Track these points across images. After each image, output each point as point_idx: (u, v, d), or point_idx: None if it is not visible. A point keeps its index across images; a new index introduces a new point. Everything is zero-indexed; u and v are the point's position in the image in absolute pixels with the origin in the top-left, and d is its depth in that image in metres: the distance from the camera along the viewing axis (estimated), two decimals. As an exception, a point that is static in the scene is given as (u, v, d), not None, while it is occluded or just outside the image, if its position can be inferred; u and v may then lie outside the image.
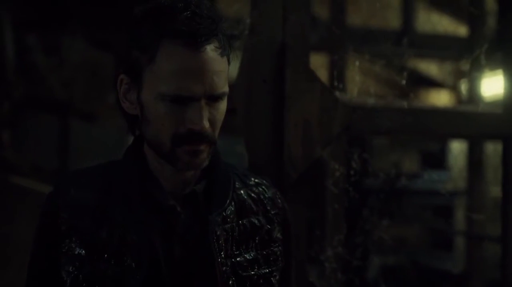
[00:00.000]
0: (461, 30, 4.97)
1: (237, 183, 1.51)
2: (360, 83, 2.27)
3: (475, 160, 3.98)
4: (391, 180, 2.76)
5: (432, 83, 6.78)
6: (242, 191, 1.51)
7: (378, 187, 2.74)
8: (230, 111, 1.47)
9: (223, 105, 1.39)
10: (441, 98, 6.89)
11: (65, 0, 5.46)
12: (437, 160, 5.97)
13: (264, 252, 1.49)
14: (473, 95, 4.10)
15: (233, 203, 1.47)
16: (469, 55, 3.02)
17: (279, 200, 1.57)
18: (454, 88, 6.17)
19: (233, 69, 1.66)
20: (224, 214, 1.44)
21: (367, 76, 2.32)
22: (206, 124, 1.34)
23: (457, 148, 5.31)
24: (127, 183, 1.43)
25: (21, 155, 5.37)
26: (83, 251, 1.39)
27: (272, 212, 1.53)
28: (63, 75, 5.82)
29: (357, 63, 2.32)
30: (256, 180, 1.56)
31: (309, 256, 2.07)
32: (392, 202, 2.57)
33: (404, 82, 2.36)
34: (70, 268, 1.39)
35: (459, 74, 5.74)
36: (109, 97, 5.49)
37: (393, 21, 5.38)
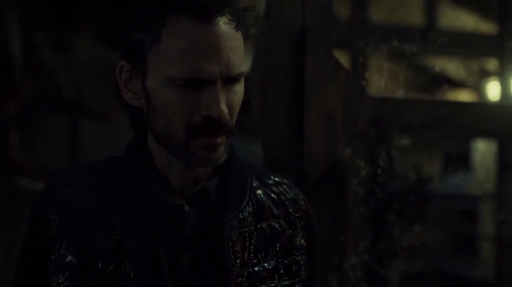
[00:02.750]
0: (487, 27, 4.87)
1: (254, 181, 1.38)
2: (380, 82, 2.15)
3: (505, 160, 3.81)
4: (413, 183, 2.62)
5: (453, 83, 6.69)
6: (260, 191, 1.39)
7: (399, 189, 2.60)
8: (243, 104, 1.35)
9: (240, 88, 1.26)
10: (462, 98, 6.80)
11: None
12: (461, 161, 5.85)
13: (286, 261, 1.35)
14: (503, 95, 3.96)
15: (250, 204, 1.35)
16: (498, 53, 2.90)
17: (302, 202, 1.43)
18: (477, 88, 6.08)
19: (246, 58, 1.51)
20: (241, 217, 1.32)
21: (388, 76, 2.19)
22: (225, 109, 1.21)
23: (483, 148, 5.19)
24: (127, 180, 1.29)
25: (30, 157, 5.34)
26: (75, 259, 1.26)
27: (294, 215, 1.40)
28: (73, 74, 5.81)
29: (378, 61, 2.21)
30: (276, 179, 1.43)
31: (331, 264, 1.95)
32: (413, 206, 2.42)
33: (426, 81, 2.23)
34: (60, 278, 1.26)
35: (483, 74, 5.67)
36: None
37: (416, 18, 5.29)
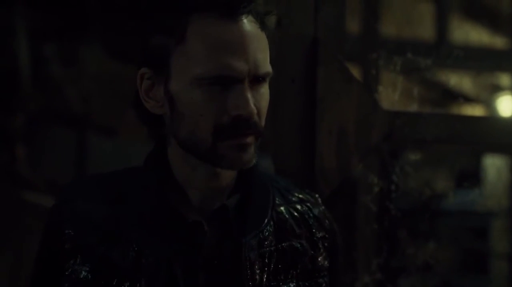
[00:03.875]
0: (499, 42, 4.84)
1: (277, 198, 1.33)
2: (392, 96, 2.10)
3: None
4: (427, 199, 2.58)
5: (464, 98, 6.67)
6: (282, 208, 1.33)
7: (410, 206, 2.54)
8: None
9: (266, 90, 1.23)
10: (471, 113, 6.78)
11: (83, 9, 5.42)
12: (472, 177, 5.80)
13: (307, 284, 1.30)
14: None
15: (271, 223, 1.30)
16: (510, 68, 2.87)
17: (327, 221, 1.38)
18: (488, 103, 6.05)
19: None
20: (261, 236, 1.27)
21: (399, 90, 2.15)
22: (254, 109, 1.17)
23: (495, 164, 5.15)
24: (144, 193, 1.25)
25: (36, 171, 5.32)
26: (89, 275, 1.22)
27: (318, 235, 1.34)
28: (81, 87, 5.80)
29: (390, 76, 2.18)
30: (300, 196, 1.38)
31: (344, 283, 1.87)
32: (427, 223, 2.38)
33: (437, 96, 2.20)
34: None
35: (494, 89, 5.64)
36: (129, 111, 5.49)
37: (427, 32, 5.26)
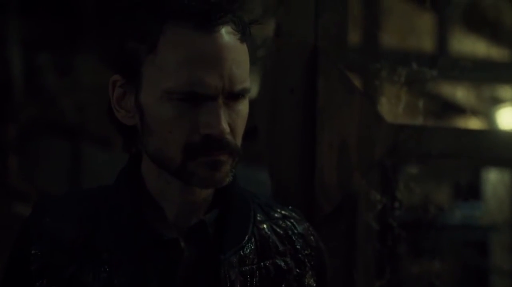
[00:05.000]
0: (500, 53, 4.85)
1: (258, 215, 1.30)
2: (394, 109, 2.11)
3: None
4: (422, 213, 2.58)
5: (463, 110, 6.72)
6: (265, 225, 1.29)
7: (411, 221, 2.52)
8: (250, 130, 1.30)
9: (244, 107, 1.16)
10: (471, 126, 6.81)
11: (78, 18, 5.45)
12: (472, 191, 5.83)
13: None
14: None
15: (253, 240, 1.25)
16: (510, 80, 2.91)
17: (312, 237, 1.33)
18: (487, 115, 6.07)
19: (253, 83, 1.44)
20: (242, 254, 1.22)
21: (403, 103, 2.16)
22: (226, 128, 1.11)
23: (495, 178, 5.15)
24: (117, 211, 1.20)
25: (29, 183, 5.30)
26: None
27: (303, 253, 1.30)
28: (75, 97, 5.78)
29: (392, 87, 2.18)
30: (283, 212, 1.33)
31: None
32: (430, 239, 2.36)
33: (436, 108, 2.21)
34: None
35: (494, 101, 5.68)
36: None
37: (427, 43, 5.28)
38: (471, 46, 5.21)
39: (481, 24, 5.12)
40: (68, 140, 5.89)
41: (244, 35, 1.16)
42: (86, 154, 5.93)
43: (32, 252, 1.19)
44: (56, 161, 5.81)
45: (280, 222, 1.31)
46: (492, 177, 5.29)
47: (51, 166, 5.78)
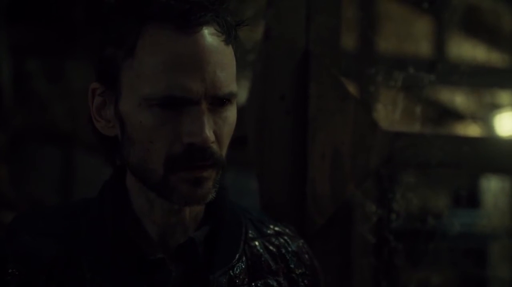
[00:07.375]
0: (499, 59, 4.84)
1: (250, 231, 1.27)
2: (390, 116, 2.09)
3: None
4: (420, 224, 2.57)
5: (461, 116, 6.74)
6: (257, 242, 1.27)
7: (406, 229, 2.49)
8: (240, 139, 1.30)
9: (232, 114, 1.12)
10: (469, 133, 6.84)
11: (69, 23, 5.41)
12: (469, 199, 5.84)
13: None
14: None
15: (244, 259, 1.22)
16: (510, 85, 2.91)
17: (306, 256, 1.31)
18: (486, 121, 6.09)
19: (243, 89, 1.50)
20: (232, 274, 1.19)
21: (399, 110, 2.14)
22: (211, 136, 1.06)
23: (494, 185, 5.14)
24: (99, 227, 1.15)
25: (20, 191, 5.24)
26: None
27: (297, 272, 1.28)
28: (67, 104, 5.73)
29: (387, 93, 2.18)
30: (276, 228, 1.31)
31: None
32: (419, 246, 2.34)
33: (433, 114, 2.20)
34: None
35: (493, 106, 5.70)
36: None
37: (424, 48, 5.28)
38: (470, 51, 5.22)
39: (480, 28, 5.13)
40: (59, 147, 5.89)
41: (229, 37, 1.11)
42: (78, 161, 5.92)
43: (9, 271, 1.14)
44: (47, 168, 5.82)
45: (273, 239, 1.29)
46: (492, 185, 5.29)
47: (43, 174, 5.79)
